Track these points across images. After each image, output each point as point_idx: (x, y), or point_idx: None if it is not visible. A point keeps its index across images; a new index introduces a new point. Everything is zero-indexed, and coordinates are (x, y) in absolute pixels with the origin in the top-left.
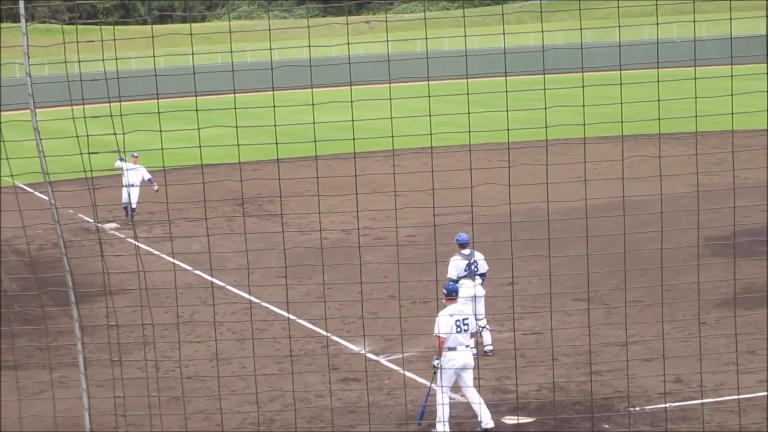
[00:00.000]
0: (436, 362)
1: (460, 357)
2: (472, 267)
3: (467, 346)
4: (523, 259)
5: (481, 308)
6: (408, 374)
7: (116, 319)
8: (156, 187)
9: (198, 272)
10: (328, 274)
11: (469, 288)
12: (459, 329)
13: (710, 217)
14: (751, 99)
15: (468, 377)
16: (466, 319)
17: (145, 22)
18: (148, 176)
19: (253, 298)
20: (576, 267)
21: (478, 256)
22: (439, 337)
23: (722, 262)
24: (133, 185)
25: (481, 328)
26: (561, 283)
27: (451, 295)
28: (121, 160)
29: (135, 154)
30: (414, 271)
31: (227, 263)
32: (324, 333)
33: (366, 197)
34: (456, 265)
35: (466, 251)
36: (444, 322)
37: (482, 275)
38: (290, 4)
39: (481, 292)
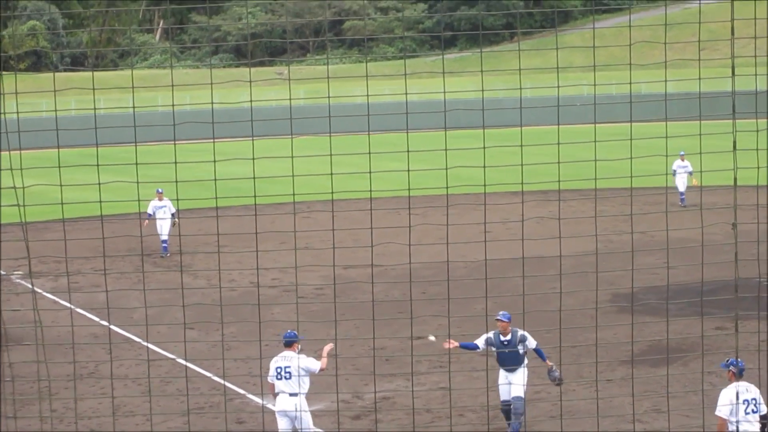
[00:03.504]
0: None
1: (280, 403)
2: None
3: (291, 395)
4: (432, 314)
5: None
6: (316, 430)
7: (11, 373)
8: (175, 221)
9: (104, 323)
10: (236, 326)
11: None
12: (279, 376)
13: (618, 275)
14: (658, 158)
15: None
16: (288, 367)
17: (56, 70)
18: (173, 210)
19: (159, 350)
20: (484, 323)
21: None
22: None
23: (629, 320)
24: (163, 218)
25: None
26: (469, 339)
27: (289, 343)
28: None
29: (160, 190)
30: (322, 324)
31: (134, 314)
32: (230, 386)
33: (276, 249)
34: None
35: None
36: (270, 366)
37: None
38: (203, 55)
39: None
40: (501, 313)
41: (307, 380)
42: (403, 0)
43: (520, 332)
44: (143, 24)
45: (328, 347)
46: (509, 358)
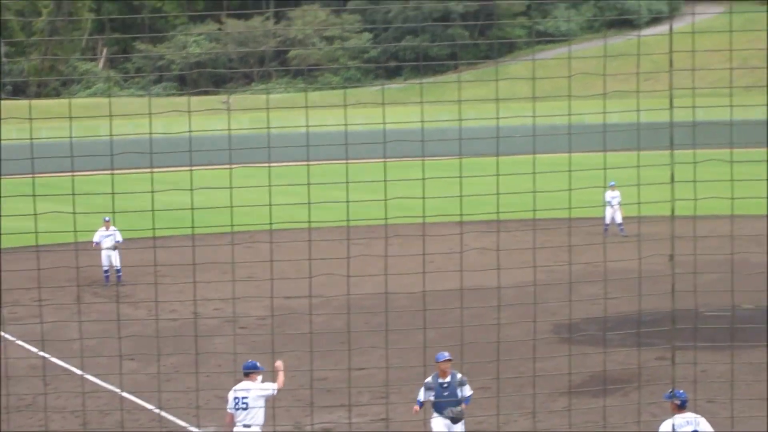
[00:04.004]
0: None
1: None
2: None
3: (245, 425)
4: (372, 345)
5: None
6: None
7: None
8: (116, 245)
9: (42, 354)
10: (177, 357)
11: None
12: (237, 406)
13: (561, 305)
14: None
15: None
16: (245, 398)
17: None
18: (119, 239)
19: (99, 381)
20: (426, 353)
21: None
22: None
23: (571, 350)
24: (111, 248)
25: None
26: (411, 369)
27: (247, 374)
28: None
29: (107, 218)
30: (264, 356)
31: (74, 345)
32: (169, 417)
33: (218, 279)
34: None
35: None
36: (229, 397)
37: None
38: (146, 83)
39: None
40: (439, 354)
41: (262, 412)
42: (349, 29)
43: (459, 375)
44: (86, 52)
45: (279, 364)
46: (448, 402)
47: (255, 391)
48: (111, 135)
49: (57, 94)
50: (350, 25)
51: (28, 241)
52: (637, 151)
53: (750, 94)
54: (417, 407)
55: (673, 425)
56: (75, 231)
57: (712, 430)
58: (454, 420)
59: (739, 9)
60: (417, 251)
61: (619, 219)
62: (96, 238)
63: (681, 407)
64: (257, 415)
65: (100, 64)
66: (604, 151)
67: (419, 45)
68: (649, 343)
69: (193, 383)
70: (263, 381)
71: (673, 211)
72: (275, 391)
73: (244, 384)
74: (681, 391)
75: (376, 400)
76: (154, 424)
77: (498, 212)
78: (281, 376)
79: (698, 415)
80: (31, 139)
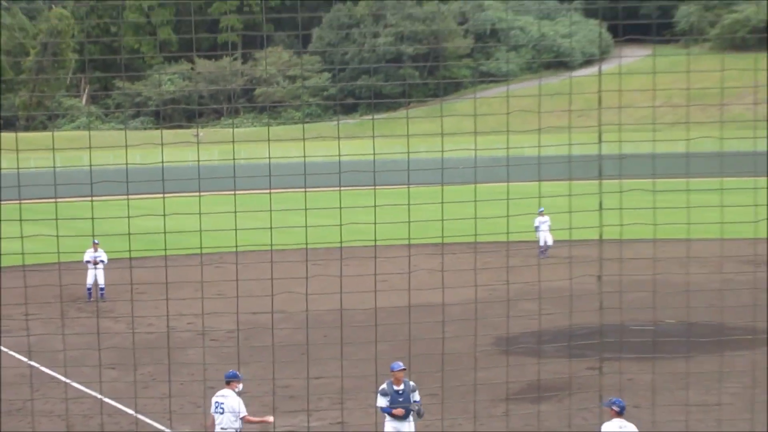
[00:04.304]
0: None
1: None
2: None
3: (222, 428)
4: (330, 356)
5: None
6: None
7: None
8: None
9: (31, 363)
10: (153, 366)
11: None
12: (216, 410)
13: (502, 320)
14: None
15: None
16: (222, 404)
17: None
18: (104, 259)
19: (83, 388)
20: (380, 364)
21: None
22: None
23: (511, 360)
24: (97, 267)
25: None
26: (365, 379)
27: (227, 382)
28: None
29: (96, 241)
30: (233, 365)
31: (60, 356)
32: (149, 421)
33: (191, 296)
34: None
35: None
36: (212, 401)
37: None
38: (125, 118)
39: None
40: (394, 364)
41: (237, 419)
42: (310, 69)
43: (411, 383)
44: (70, 89)
45: (269, 417)
46: (402, 408)
47: (231, 399)
48: (91, 165)
49: (44, 128)
50: (311, 66)
51: (16, 261)
52: (569, 180)
53: (673, 130)
54: (399, 410)
55: (610, 428)
56: (59, 252)
57: None
58: (419, 414)
59: (663, 52)
60: (370, 272)
61: (550, 242)
62: (86, 257)
63: (620, 414)
64: (232, 421)
65: (83, 100)
66: (539, 181)
67: (373, 84)
68: (579, 355)
69: (168, 390)
70: (243, 390)
71: (601, 235)
72: (240, 415)
73: (224, 391)
74: (620, 399)
75: (334, 406)
76: (133, 427)
77: (443, 236)
78: (255, 418)
79: (629, 422)
80: (18, 168)
